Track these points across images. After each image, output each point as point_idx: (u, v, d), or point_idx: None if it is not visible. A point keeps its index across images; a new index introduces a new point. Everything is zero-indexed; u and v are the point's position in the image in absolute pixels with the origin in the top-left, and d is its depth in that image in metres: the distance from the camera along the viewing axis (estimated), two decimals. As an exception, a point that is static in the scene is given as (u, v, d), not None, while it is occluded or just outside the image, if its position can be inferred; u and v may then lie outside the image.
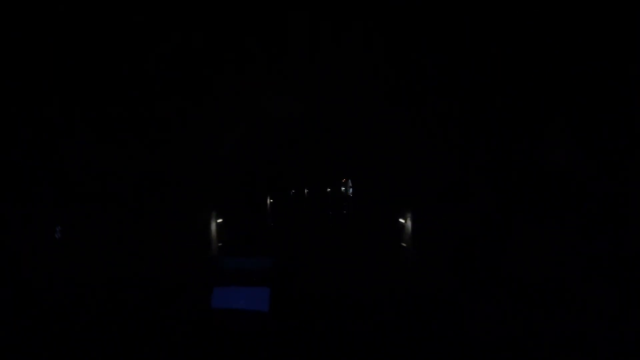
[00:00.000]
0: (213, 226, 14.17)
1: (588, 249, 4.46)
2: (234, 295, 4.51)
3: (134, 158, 8.49)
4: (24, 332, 3.96)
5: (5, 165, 5.08)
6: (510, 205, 5.65)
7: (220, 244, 14.56)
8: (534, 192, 5.26)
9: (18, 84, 5.28)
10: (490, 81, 5.85)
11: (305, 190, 32.23)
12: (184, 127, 9.81)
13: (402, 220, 12.00)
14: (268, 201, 24.83)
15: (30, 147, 5.53)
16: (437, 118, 8.25)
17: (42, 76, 5.66)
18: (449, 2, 5.00)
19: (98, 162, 7.23)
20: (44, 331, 4.13)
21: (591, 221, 4.45)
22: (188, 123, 10.00)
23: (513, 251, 5.34)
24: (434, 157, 9.07)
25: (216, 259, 8.87)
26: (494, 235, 5.91)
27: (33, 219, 5.36)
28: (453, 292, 6.09)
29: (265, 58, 7.38)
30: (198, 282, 5.69)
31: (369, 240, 16.35)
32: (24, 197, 5.40)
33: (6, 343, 3.85)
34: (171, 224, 9.77)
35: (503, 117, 5.90)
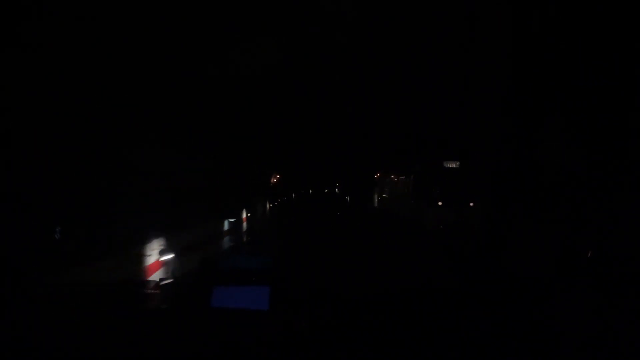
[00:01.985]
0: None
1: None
2: (234, 295, 4.44)
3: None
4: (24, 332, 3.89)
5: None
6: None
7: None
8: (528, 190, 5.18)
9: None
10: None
11: (310, 190, 52.60)
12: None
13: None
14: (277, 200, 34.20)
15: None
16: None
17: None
18: None
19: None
20: (40, 329, 4.05)
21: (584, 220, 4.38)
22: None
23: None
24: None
25: (216, 258, 8.82)
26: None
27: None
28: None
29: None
30: (198, 281, 5.63)
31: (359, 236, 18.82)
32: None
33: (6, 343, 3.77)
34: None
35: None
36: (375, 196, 37.98)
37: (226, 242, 17.32)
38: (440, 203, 24.29)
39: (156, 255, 9.35)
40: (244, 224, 21.52)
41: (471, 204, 17.46)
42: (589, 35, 4.22)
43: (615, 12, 3.91)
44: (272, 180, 33.61)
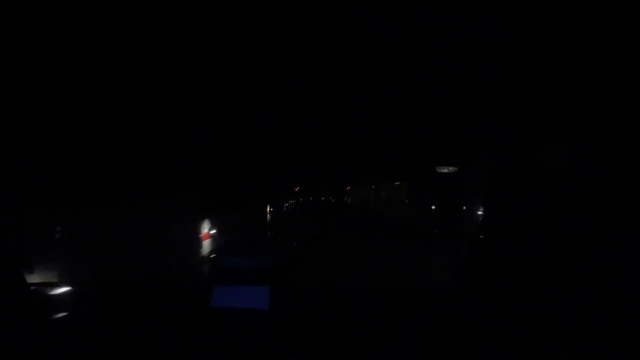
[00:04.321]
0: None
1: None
2: (234, 294, 4.34)
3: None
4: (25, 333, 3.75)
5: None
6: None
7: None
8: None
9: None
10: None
11: (310, 198, 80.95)
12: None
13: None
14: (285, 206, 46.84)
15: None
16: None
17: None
18: None
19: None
20: (40, 328, 3.90)
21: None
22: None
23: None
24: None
25: (216, 258, 8.68)
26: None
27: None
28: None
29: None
30: (198, 280, 5.50)
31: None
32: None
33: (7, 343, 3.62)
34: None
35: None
36: (348, 199, 70.58)
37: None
38: (433, 207, 24.33)
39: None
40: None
41: (464, 207, 17.40)
42: (587, 34, 4.14)
43: (614, 11, 3.83)
44: (295, 190, 64.15)
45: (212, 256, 11.98)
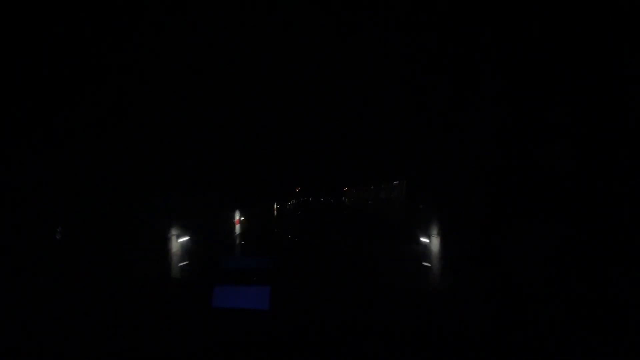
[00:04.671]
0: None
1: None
2: (235, 294, 4.34)
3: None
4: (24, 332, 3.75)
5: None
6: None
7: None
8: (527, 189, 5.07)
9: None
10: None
11: (310, 198, 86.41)
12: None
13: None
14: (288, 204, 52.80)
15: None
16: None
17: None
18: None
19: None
20: (42, 329, 3.90)
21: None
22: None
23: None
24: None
25: (217, 258, 8.71)
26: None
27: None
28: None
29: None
30: (200, 280, 5.51)
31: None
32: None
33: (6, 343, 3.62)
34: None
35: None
36: (346, 200, 75.76)
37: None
38: (432, 206, 24.19)
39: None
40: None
41: (463, 207, 17.32)
42: (585, 33, 4.14)
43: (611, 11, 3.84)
44: (296, 190, 74.35)
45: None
